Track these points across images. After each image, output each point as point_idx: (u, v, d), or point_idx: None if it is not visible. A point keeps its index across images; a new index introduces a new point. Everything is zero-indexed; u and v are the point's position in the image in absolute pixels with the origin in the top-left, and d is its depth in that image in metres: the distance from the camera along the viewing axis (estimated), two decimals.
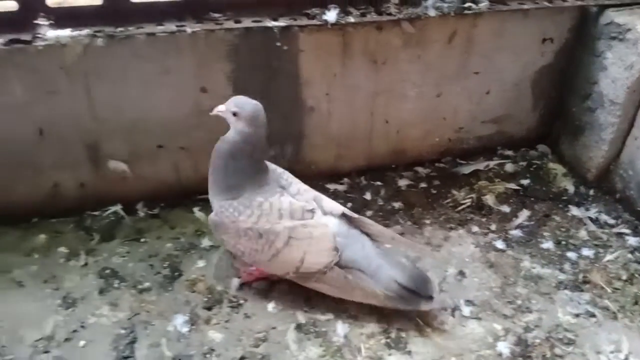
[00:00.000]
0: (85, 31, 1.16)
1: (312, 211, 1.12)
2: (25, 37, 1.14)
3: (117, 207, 1.36)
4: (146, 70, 1.22)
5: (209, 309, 1.16)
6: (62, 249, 1.27)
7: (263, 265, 1.16)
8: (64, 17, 1.17)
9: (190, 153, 1.35)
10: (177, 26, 1.20)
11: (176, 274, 1.23)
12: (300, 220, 1.10)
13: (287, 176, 1.17)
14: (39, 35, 1.15)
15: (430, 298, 1.14)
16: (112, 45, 1.17)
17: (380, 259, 1.15)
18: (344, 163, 1.49)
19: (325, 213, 1.14)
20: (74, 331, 1.10)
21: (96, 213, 1.35)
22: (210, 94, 1.28)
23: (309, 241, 1.11)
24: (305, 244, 1.10)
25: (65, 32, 1.16)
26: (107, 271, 1.22)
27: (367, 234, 1.16)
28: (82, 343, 1.08)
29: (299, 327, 1.13)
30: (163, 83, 1.24)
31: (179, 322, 1.12)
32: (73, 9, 1.18)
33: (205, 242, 1.30)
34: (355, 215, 1.17)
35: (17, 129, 1.21)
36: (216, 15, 1.24)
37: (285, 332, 1.12)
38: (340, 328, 1.13)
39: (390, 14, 1.29)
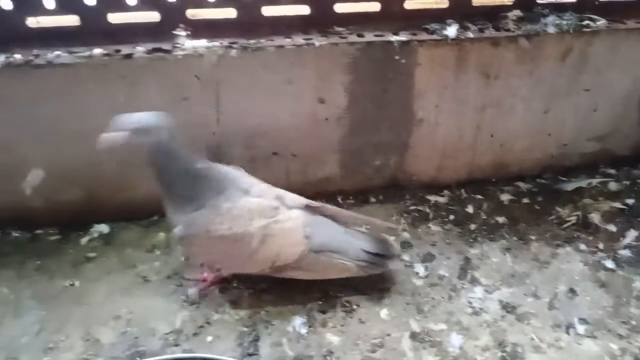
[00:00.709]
0: (220, 42, 1.24)
1: (277, 208, 1.16)
2: (166, 46, 1.22)
3: None
4: (271, 81, 1.28)
5: (324, 312, 1.20)
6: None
7: (238, 267, 1.20)
8: (201, 28, 1.25)
9: (301, 159, 1.40)
10: (304, 39, 1.25)
11: None
12: (270, 218, 1.13)
13: (246, 179, 1.18)
14: (178, 45, 1.22)
15: (394, 257, 1.25)
16: (244, 56, 1.23)
17: (345, 235, 1.23)
18: (445, 175, 1.51)
19: (289, 208, 1.19)
20: (201, 326, 1.16)
21: None
22: (326, 104, 1.34)
23: (282, 235, 1.16)
24: (279, 239, 1.15)
25: (202, 43, 1.23)
26: None
27: (330, 218, 1.23)
28: (209, 338, 1.14)
29: (413, 336, 1.15)
30: (285, 93, 1.30)
31: (298, 323, 1.17)
32: (209, 20, 1.24)
33: None
34: (318, 204, 1.24)
35: None
36: (340, 29, 1.29)
37: (400, 339, 1.15)
38: (455, 339, 1.15)
39: (508, 30, 1.31)
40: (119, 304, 1.21)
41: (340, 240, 1.20)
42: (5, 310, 1.18)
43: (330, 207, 1.24)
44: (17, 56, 1.18)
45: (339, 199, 1.48)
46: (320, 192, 1.47)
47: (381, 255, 1.23)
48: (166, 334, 1.14)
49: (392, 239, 1.29)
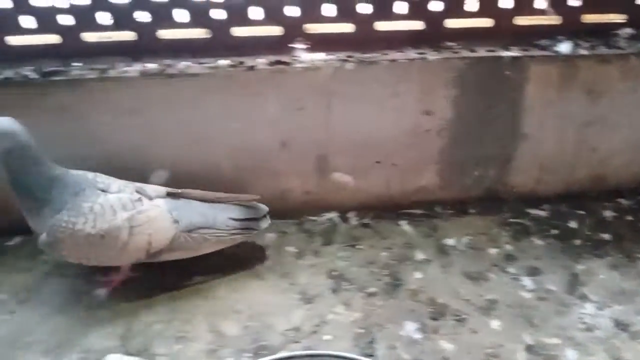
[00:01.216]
0: (336, 55, 1.30)
1: (139, 200, 1.21)
2: (285, 59, 1.29)
3: (333, 214, 1.47)
4: (380, 93, 1.33)
5: (435, 319, 1.22)
6: (291, 248, 1.40)
7: (113, 261, 1.23)
8: (318, 42, 1.31)
9: (401, 169, 1.44)
10: (417, 53, 1.30)
11: (397, 282, 1.30)
12: (133, 209, 1.18)
13: (102, 179, 1.21)
14: (296, 58, 1.30)
15: (265, 217, 1.33)
16: (358, 69, 1.29)
17: (212, 210, 1.29)
18: (544, 188, 1.51)
19: (151, 198, 1.24)
20: (317, 325, 1.20)
21: (314, 218, 1.48)
22: (431, 117, 1.37)
23: (149, 224, 1.20)
24: (147, 227, 1.19)
25: (319, 56, 1.30)
26: (335, 273, 1.32)
27: (195, 200, 1.29)
28: (326, 337, 1.18)
29: (528, 348, 1.15)
30: (392, 105, 1.34)
31: (410, 328, 1.19)
32: (327, 35, 1.31)
33: (419, 255, 1.37)
34: (179, 190, 1.28)
35: (264, 140, 1.37)
36: (450, 43, 1.33)
37: (515, 351, 1.15)
38: (571, 354, 1.14)
39: (619, 48, 1.32)
40: (238, 299, 1.27)
41: (207, 215, 1.27)
42: (138, 300, 1.26)
43: (192, 191, 1.29)
44: (151, 65, 1.27)
45: (437, 209, 1.50)
46: (417, 201, 1.51)
47: (250, 219, 1.31)
48: (285, 330, 1.19)
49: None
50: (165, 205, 1.23)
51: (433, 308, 1.24)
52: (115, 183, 1.23)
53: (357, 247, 1.40)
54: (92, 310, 1.24)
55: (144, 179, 1.34)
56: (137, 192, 1.23)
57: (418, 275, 1.33)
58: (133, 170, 1.33)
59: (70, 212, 1.14)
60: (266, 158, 1.38)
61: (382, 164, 1.44)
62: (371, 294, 1.27)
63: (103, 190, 1.20)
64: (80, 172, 1.22)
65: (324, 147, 1.39)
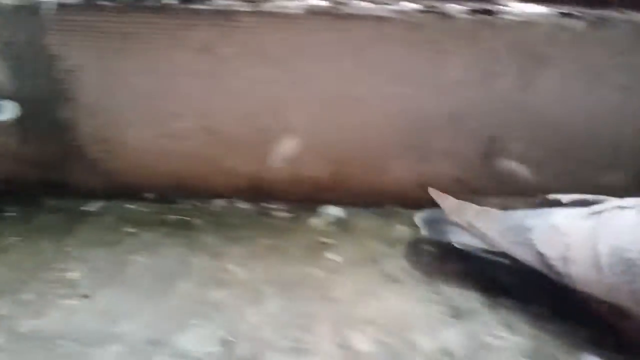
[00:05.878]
0: (558, 9, 0.96)
1: None
2: (490, 7, 0.95)
3: None
4: (608, 64, 0.99)
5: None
6: (432, 247, 1.13)
7: None
8: None
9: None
10: None
11: None
12: None
13: None
14: (505, 8, 0.96)
15: None
16: (585, 30, 0.95)
17: None
18: None
19: None
20: (475, 351, 0.96)
21: None
22: None
23: None
24: None
25: (535, 8, 0.96)
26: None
27: None
28: None
29: None
30: (621, 82, 1.02)
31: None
32: None
33: None
34: None
35: (430, 111, 1.05)
36: None
37: None
38: None
39: None
40: (369, 305, 1.02)
41: None
42: (241, 292, 1.02)
43: None
44: (323, 3, 0.95)
45: None
46: None
47: None
48: (433, 352, 0.95)
49: None
50: None
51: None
52: None
53: None
54: (183, 302, 0.99)
55: (270, 148, 1.09)
56: None
57: None
58: (263, 132, 1.07)
59: None
60: (423, 134, 1.10)
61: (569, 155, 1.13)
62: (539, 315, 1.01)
63: None
64: None
65: (504, 127, 1.09)
